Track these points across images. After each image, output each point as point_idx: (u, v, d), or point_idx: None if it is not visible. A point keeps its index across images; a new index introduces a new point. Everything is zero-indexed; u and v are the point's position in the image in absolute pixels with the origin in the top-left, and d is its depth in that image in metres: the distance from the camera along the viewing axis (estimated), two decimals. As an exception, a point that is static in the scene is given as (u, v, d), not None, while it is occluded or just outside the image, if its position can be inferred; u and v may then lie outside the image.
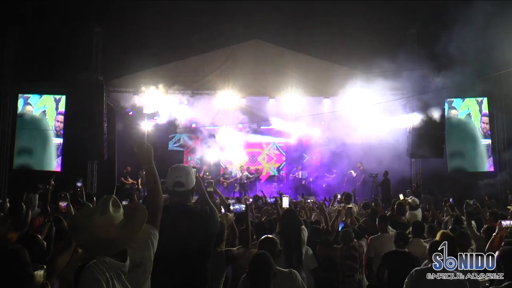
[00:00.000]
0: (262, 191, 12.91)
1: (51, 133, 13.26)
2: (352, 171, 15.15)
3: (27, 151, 12.95)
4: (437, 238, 4.02)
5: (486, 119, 14.11)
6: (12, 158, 12.83)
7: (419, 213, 7.73)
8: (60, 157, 13.16)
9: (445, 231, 4.23)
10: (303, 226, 4.31)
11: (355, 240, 4.69)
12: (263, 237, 3.31)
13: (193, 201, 2.99)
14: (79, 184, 6.60)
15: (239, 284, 2.98)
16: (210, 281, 2.99)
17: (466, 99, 14.26)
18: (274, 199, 6.89)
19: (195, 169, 3.14)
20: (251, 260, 2.76)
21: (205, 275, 2.66)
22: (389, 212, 6.75)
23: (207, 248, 2.68)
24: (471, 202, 6.39)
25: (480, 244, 4.44)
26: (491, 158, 13.90)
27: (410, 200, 8.18)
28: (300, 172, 16.28)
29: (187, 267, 2.52)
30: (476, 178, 13.13)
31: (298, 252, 4.01)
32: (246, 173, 16.05)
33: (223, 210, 4.42)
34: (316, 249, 4.45)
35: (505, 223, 4.14)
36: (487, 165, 13.94)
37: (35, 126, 13.14)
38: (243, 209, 4.34)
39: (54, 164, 13.14)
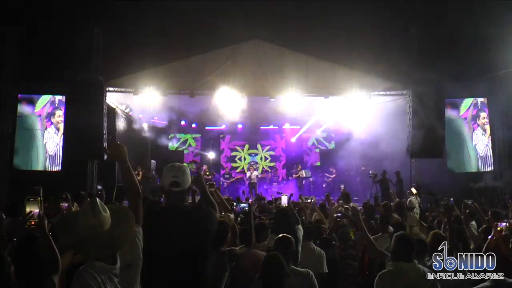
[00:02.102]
0: (261, 193, 12.96)
1: (38, 132, 13.23)
2: (358, 178, 15.25)
3: (17, 151, 12.98)
4: (429, 238, 4.05)
5: (483, 119, 14.08)
6: (12, 158, 12.83)
7: (415, 214, 7.73)
8: (47, 157, 13.16)
9: (437, 231, 4.27)
10: (299, 225, 4.31)
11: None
12: (279, 236, 3.29)
13: (191, 201, 2.98)
14: (99, 187, 6.56)
15: (254, 283, 2.97)
16: (212, 281, 2.99)
17: (466, 99, 14.25)
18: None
19: (196, 164, 3.16)
20: (263, 261, 2.76)
21: (204, 275, 2.65)
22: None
23: (204, 248, 2.67)
24: (469, 203, 6.40)
25: (479, 244, 4.45)
26: (485, 158, 13.87)
27: (408, 201, 8.21)
28: (303, 171, 16.25)
29: (185, 268, 2.51)
30: (476, 179, 13.13)
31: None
32: (255, 172, 16.01)
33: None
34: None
35: (501, 225, 4.17)
36: (475, 165, 13.89)
37: (24, 126, 13.15)
38: (246, 208, 4.34)
39: (41, 164, 13.12)
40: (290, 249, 3.11)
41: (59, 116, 13.38)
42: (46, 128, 13.35)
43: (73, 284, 1.91)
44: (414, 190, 9.22)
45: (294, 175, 16.66)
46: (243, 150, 18.63)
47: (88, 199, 2.06)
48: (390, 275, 3.12)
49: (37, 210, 2.76)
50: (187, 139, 18.53)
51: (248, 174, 16.08)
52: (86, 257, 1.99)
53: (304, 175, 16.14)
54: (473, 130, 14.08)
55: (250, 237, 3.98)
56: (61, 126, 13.38)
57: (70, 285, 1.95)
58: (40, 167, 13.08)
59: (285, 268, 2.71)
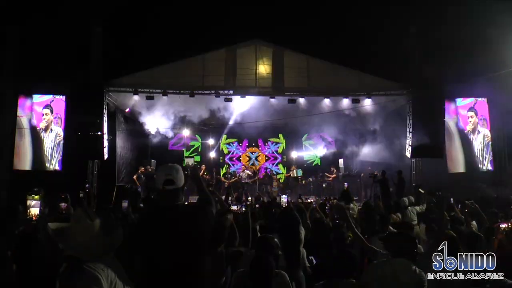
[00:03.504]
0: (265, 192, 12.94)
1: (38, 132, 13.23)
2: (363, 174, 15.20)
3: (17, 150, 12.98)
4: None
5: (478, 118, 14.02)
6: (12, 158, 12.84)
7: (410, 213, 7.70)
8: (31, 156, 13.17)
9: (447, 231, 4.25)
10: (301, 226, 4.31)
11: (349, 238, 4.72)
12: (260, 236, 3.31)
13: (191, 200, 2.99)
14: (87, 186, 6.52)
15: (236, 281, 2.98)
16: (209, 281, 2.98)
17: (465, 99, 14.23)
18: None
19: (192, 159, 3.18)
20: (252, 262, 2.76)
21: (202, 274, 2.64)
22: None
23: (202, 247, 2.66)
24: (470, 203, 6.38)
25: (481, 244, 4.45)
26: (479, 158, 13.81)
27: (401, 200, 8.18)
28: (295, 171, 16.20)
29: (182, 267, 2.51)
30: (476, 178, 13.12)
31: (295, 251, 4.02)
32: (247, 171, 15.98)
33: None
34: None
35: (503, 226, 4.19)
36: (461, 167, 13.84)
37: (24, 125, 13.14)
38: (243, 209, 4.34)
39: (41, 164, 13.13)
40: (273, 249, 3.12)
41: (58, 116, 13.37)
42: (46, 127, 13.34)
43: (74, 280, 1.93)
44: (421, 190, 9.23)
45: (285, 175, 16.69)
46: (221, 140, 18.65)
47: (78, 208, 2.13)
48: (376, 265, 3.16)
49: (39, 205, 2.80)
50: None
51: (238, 173, 16.10)
52: (81, 257, 2.05)
53: (296, 175, 16.07)
54: (465, 130, 14.00)
55: (248, 237, 3.97)
56: (59, 126, 13.36)
57: (72, 283, 1.97)
58: (40, 167, 13.08)
59: (273, 269, 2.71)
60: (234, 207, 4.87)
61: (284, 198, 5.56)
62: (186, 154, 18.13)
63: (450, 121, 13.86)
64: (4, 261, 2.58)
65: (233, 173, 16.36)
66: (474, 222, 5.78)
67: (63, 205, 3.90)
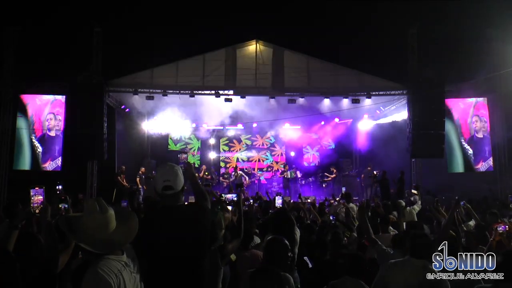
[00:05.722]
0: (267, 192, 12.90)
1: (25, 131, 13.21)
2: (363, 174, 15.21)
3: (17, 150, 12.96)
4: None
5: (478, 118, 13.96)
6: (12, 158, 12.83)
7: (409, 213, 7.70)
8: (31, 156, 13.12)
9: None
10: (296, 227, 4.28)
11: (345, 239, 4.71)
12: (270, 237, 3.24)
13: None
14: (60, 187, 6.36)
15: (243, 282, 2.95)
16: (208, 279, 2.98)
17: (465, 100, 14.20)
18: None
19: (186, 155, 3.19)
20: (268, 243, 2.82)
21: (202, 274, 2.64)
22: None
23: (202, 246, 2.66)
24: (462, 203, 6.35)
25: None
26: (475, 158, 13.77)
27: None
28: (289, 172, 16.15)
29: (184, 267, 2.51)
30: (476, 179, 13.11)
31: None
32: (240, 172, 15.95)
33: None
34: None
35: (500, 227, 4.19)
36: (461, 166, 13.79)
37: (24, 125, 13.13)
38: (235, 198, 4.29)
39: (27, 163, 13.09)
40: (282, 251, 3.07)
41: (59, 118, 13.35)
42: (45, 127, 13.32)
43: (88, 282, 1.92)
44: (414, 191, 9.24)
45: (279, 175, 16.71)
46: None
47: (91, 198, 2.12)
48: (395, 265, 3.20)
49: (41, 198, 2.80)
50: (189, 139, 18.48)
51: (232, 174, 16.10)
52: (94, 252, 2.03)
53: (289, 176, 16.00)
54: (462, 130, 13.93)
55: (240, 230, 3.87)
56: (59, 126, 13.34)
57: (80, 285, 1.96)
58: (39, 167, 13.06)
59: (288, 250, 2.65)
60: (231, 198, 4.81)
61: (278, 199, 5.54)
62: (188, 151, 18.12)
63: (450, 120, 13.84)
64: (8, 259, 2.57)
65: (229, 174, 16.36)
66: (471, 222, 5.78)
67: (62, 206, 3.88)
